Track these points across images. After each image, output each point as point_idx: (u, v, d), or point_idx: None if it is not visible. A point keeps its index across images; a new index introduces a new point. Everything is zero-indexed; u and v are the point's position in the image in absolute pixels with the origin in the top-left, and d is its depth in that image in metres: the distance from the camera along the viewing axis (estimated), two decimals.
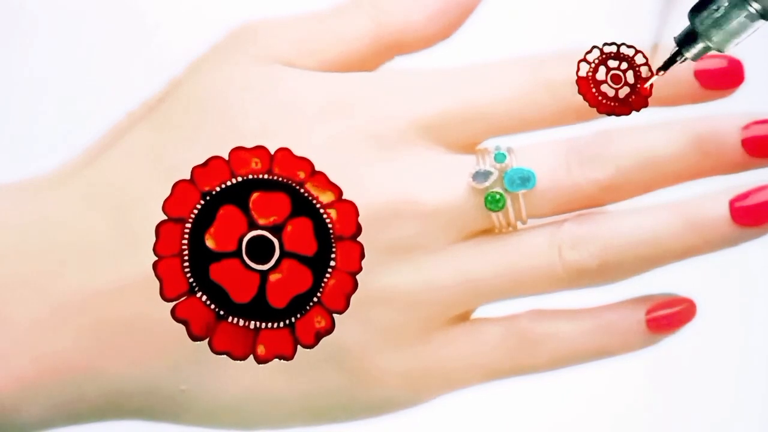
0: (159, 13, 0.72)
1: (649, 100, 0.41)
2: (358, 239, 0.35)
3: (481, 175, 0.45)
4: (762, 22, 0.38)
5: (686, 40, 0.40)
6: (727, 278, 0.73)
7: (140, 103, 0.49)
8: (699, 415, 0.76)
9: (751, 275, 0.75)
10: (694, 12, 0.39)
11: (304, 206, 0.35)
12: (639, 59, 0.41)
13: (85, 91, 0.71)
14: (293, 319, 0.35)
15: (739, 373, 0.76)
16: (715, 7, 0.38)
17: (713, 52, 0.46)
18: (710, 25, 0.39)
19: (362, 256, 0.35)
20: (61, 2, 0.71)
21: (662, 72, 0.41)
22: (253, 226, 0.34)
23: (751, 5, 0.38)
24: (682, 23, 0.40)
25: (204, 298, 0.34)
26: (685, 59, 0.40)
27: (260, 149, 0.35)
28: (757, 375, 0.76)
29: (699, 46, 0.39)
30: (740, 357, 0.76)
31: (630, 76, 0.41)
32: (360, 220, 0.35)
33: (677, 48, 0.40)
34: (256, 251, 0.34)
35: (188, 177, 0.35)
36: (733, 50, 0.46)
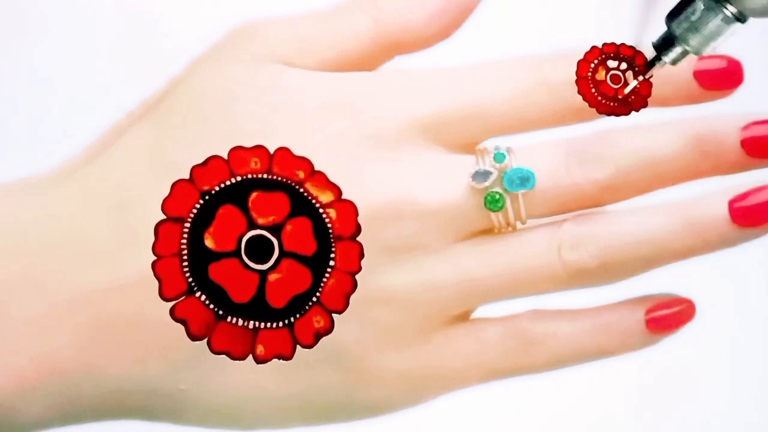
0: (159, 11, 0.72)
1: (649, 100, 0.41)
2: (358, 239, 0.35)
3: (480, 175, 0.45)
4: (739, 25, 0.38)
5: (664, 44, 0.40)
6: (727, 278, 0.73)
7: (140, 102, 0.49)
8: (698, 415, 0.76)
9: (751, 276, 0.75)
10: (671, 16, 0.39)
11: (303, 206, 0.35)
12: (639, 59, 0.41)
13: (84, 90, 0.71)
14: (292, 319, 0.34)
15: (737, 373, 0.76)
16: (691, 10, 0.38)
17: (712, 53, 0.46)
18: (687, 29, 0.39)
19: (362, 255, 0.35)
20: (60, 1, 0.71)
21: (642, 77, 0.41)
22: (253, 225, 0.34)
23: (726, 8, 0.38)
24: (661, 28, 0.40)
25: (203, 297, 0.34)
26: (664, 64, 0.40)
27: (259, 149, 0.35)
28: (755, 375, 0.76)
29: (677, 51, 0.39)
30: (739, 357, 0.76)
31: (629, 76, 0.41)
32: (359, 219, 0.35)
33: (655, 53, 0.40)
34: (255, 251, 0.34)
35: (187, 176, 0.35)
36: (733, 50, 0.46)
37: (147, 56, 0.70)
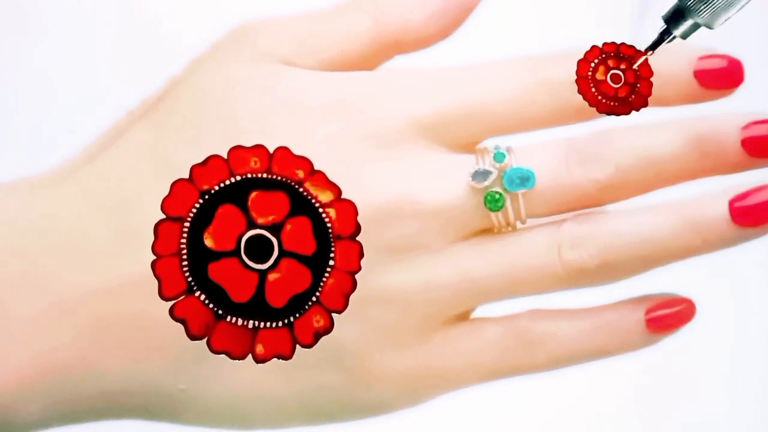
0: (159, 11, 0.72)
1: (649, 100, 0.41)
2: (357, 238, 0.35)
3: (480, 175, 0.45)
4: None
5: (674, 17, 0.39)
6: (727, 278, 0.73)
7: (140, 102, 0.49)
8: (698, 415, 0.76)
9: (751, 276, 0.75)
10: None
11: (303, 205, 0.35)
12: (639, 58, 0.41)
13: (84, 90, 0.71)
14: (292, 319, 0.34)
15: (737, 373, 0.76)
16: None
17: (712, 53, 0.46)
18: (697, 1, 0.38)
19: (361, 255, 0.35)
20: (60, 1, 0.71)
21: (651, 52, 0.40)
22: (252, 225, 0.34)
23: None
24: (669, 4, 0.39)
25: (203, 297, 0.34)
26: (674, 37, 0.39)
27: (259, 148, 0.35)
28: (755, 375, 0.76)
29: (687, 24, 0.39)
30: (739, 357, 0.76)
31: (630, 76, 0.41)
32: (359, 219, 0.35)
33: (665, 26, 0.39)
34: (254, 250, 0.34)
35: (187, 176, 0.35)
36: (733, 50, 0.46)
37: (147, 56, 0.70)
